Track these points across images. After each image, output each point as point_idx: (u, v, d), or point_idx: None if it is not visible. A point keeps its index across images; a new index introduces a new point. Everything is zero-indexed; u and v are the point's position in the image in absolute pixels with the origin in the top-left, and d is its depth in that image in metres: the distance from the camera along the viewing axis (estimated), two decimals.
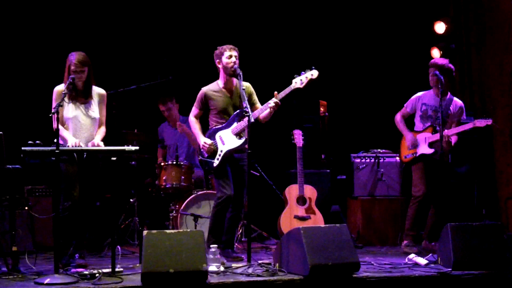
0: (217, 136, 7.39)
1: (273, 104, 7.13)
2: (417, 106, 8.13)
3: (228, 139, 7.34)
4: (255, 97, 7.51)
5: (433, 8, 10.43)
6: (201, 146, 7.41)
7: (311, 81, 7.23)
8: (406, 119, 8.25)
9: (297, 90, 7.24)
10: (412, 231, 8.01)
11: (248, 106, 6.94)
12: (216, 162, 7.32)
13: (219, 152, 7.33)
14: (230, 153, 7.35)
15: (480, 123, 7.69)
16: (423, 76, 8.04)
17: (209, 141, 7.34)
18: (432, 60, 8.13)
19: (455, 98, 8.02)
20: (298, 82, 7.19)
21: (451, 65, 7.99)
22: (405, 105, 8.25)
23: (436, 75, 7.72)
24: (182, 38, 10.34)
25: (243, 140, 7.32)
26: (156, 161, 9.37)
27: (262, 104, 7.38)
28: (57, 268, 6.09)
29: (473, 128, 7.73)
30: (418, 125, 8.13)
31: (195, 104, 7.54)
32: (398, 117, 8.26)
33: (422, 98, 8.11)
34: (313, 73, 7.22)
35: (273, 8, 10.52)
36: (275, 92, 7.17)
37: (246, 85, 7.39)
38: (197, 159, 8.32)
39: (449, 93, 7.99)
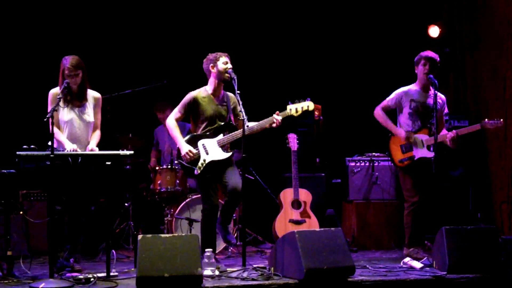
0: (199, 143, 7.21)
1: (276, 122, 7.18)
2: (403, 103, 7.86)
3: (212, 150, 7.20)
4: (238, 109, 7.27)
5: (427, 12, 10.45)
6: (183, 153, 7.18)
7: (305, 112, 7.38)
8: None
9: (290, 116, 7.36)
10: (414, 238, 7.78)
11: (244, 115, 6.92)
12: (197, 171, 7.16)
13: (201, 161, 7.16)
14: (214, 163, 7.23)
15: (490, 125, 7.56)
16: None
17: (194, 151, 7.15)
18: (425, 53, 7.84)
19: (437, 93, 7.77)
20: (293, 110, 7.29)
21: (432, 53, 7.87)
22: (387, 99, 7.94)
23: (430, 79, 7.59)
24: (177, 42, 10.35)
25: (230, 154, 7.24)
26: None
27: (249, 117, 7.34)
28: (51, 272, 6.09)
29: (480, 129, 7.64)
30: (407, 123, 7.86)
31: (178, 107, 7.36)
32: (379, 111, 7.93)
33: (409, 93, 7.85)
34: (309, 105, 7.34)
35: (266, 12, 10.53)
36: (277, 112, 7.22)
37: (231, 96, 7.36)
38: None
39: (431, 88, 7.73)
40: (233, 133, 7.19)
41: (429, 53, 7.83)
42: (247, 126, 6.99)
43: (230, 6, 10.43)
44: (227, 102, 7.31)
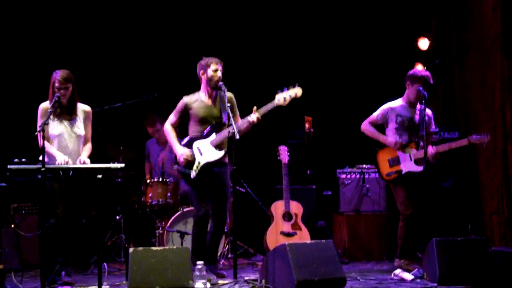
0: (194, 146, 7.33)
1: (255, 120, 7.10)
2: (389, 117, 7.91)
3: (206, 151, 7.29)
4: (235, 109, 7.47)
5: (416, 24, 10.49)
6: (178, 156, 7.33)
7: (294, 99, 7.21)
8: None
9: (279, 107, 7.21)
10: (405, 250, 7.79)
11: (232, 118, 6.95)
12: (193, 174, 7.26)
13: (196, 164, 7.27)
14: (208, 165, 7.32)
15: (477, 139, 7.61)
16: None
17: (188, 152, 7.29)
18: (412, 72, 7.91)
19: (425, 107, 7.76)
20: (282, 99, 7.09)
21: (429, 75, 7.86)
22: (374, 114, 8.00)
23: (419, 91, 7.62)
24: (167, 54, 10.37)
25: (223, 152, 7.31)
26: (143, 177, 9.35)
27: (242, 116, 7.39)
28: (43, 286, 6.08)
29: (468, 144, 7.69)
30: (394, 138, 7.88)
31: (174, 112, 7.50)
32: (367, 124, 8.01)
33: (395, 109, 7.89)
34: (297, 92, 7.12)
35: (258, 22, 10.55)
36: (255, 107, 7.16)
37: (229, 95, 7.35)
38: None
39: (418, 104, 7.82)
40: (224, 131, 7.22)
41: (416, 72, 7.89)
42: (234, 133, 6.98)
43: (221, 14, 10.47)
44: (221, 104, 7.32)
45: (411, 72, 7.91)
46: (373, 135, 7.99)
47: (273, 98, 7.15)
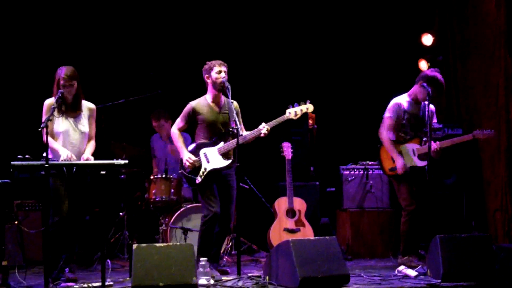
0: (201, 152, 7.31)
1: (265, 132, 7.16)
2: (399, 114, 7.87)
3: (213, 158, 7.27)
4: (240, 118, 7.47)
5: (420, 21, 10.47)
6: (184, 161, 7.33)
7: (304, 114, 7.35)
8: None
9: (289, 120, 7.32)
10: (409, 246, 7.78)
11: (238, 123, 6.95)
12: (198, 179, 7.23)
13: (202, 170, 7.25)
14: (214, 171, 7.30)
15: (482, 135, 7.61)
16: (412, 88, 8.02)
17: (193, 158, 7.26)
18: (432, 74, 7.77)
19: (428, 103, 7.72)
20: (293, 113, 7.26)
21: (439, 76, 7.81)
22: (387, 116, 7.90)
23: (424, 87, 7.59)
24: (171, 52, 10.36)
25: (229, 161, 7.27)
26: (147, 173, 9.30)
27: (245, 124, 7.45)
28: (47, 282, 6.09)
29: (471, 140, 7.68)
30: (399, 133, 7.87)
31: (180, 117, 7.48)
32: (385, 135, 7.88)
33: (403, 105, 7.85)
34: (308, 107, 7.31)
35: (262, 24, 10.55)
36: (263, 123, 7.21)
37: (234, 103, 7.38)
38: None
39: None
40: (232, 140, 7.21)
41: (425, 72, 7.87)
42: (241, 135, 7.04)
43: (226, 14, 10.46)
44: (229, 109, 7.33)
45: (430, 74, 7.80)
46: (389, 148, 7.86)
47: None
